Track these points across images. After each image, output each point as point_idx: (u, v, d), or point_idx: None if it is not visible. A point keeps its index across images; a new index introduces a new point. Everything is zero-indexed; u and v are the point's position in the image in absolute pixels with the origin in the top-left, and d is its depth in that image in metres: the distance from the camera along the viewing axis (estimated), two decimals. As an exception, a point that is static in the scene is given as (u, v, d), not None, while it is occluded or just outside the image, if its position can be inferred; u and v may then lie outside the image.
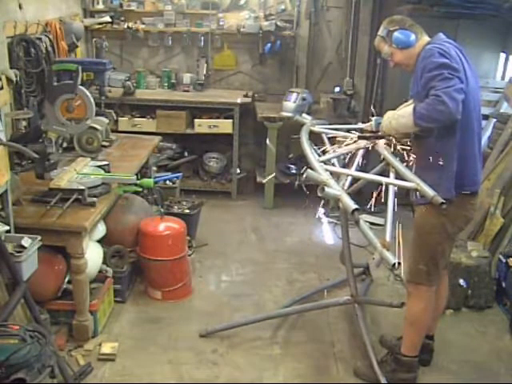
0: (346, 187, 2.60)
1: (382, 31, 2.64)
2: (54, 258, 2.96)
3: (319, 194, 2.23)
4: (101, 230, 3.30)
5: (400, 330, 3.13)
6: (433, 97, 2.28)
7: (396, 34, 2.57)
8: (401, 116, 2.48)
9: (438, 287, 2.76)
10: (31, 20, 3.90)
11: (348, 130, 3.35)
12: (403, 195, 2.75)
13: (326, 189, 2.21)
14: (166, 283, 3.49)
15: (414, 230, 2.66)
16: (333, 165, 2.91)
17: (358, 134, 2.78)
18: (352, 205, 2.17)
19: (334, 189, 2.25)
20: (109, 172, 3.30)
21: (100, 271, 3.23)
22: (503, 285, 3.52)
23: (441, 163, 2.46)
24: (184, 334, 3.17)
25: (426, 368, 2.94)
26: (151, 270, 3.52)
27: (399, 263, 2.08)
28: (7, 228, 2.56)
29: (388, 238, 2.20)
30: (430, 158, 2.48)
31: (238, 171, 5.36)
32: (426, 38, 2.60)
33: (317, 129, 3.08)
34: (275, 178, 5.13)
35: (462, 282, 3.46)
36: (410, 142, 2.61)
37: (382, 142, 2.69)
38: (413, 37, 2.56)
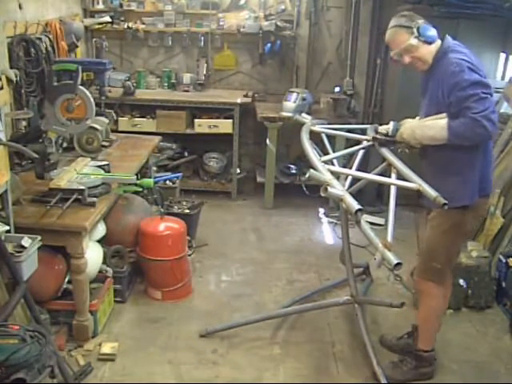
0: (346, 187, 2.60)
1: (406, 22, 2.52)
2: (53, 258, 2.95)
3: (322, 194, 2.23)
4: (101, 230, 3.30)
5: (400, 330, 3.16)
6: (471, 119, 2.32)
7: (424, 26, 2.51)
8: (429, 128, 2.48)
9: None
10: (31, 20, 3.90)
11: (348, 130, 3.36)
12: (413, 197, 2.71)
13: (329, 189, 2.21)
14: (166, 283, 3.49)
15: (429, 229, 2.68)
16: (333, 165, 2.91)
17: (372, 135, 2.74)
18: (355, 205, 2.17)
19: (337, 189, 2.25)
20: (109, 172, 3.30)
21: (100, 271, 3.23)
22: (503, 285, 3.52)
23: (466, 172, 2.53)
24: (184, 334, 3.17)
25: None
26: (151, 270, 3.52)
27: (400, 263, 2.08)
28: (7, 228, 2.55)
29: (389, 238, 2.20)
30: (455, 166, 2.53)
31: (238, 171, 5.36)
32: (438, 41, 2.57)
33: (317, 128, 3.08)
34: (275, 178, 5.14)
35: (461, 282, 3.46)
36: (422, 150, 2.61)
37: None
38: (435, 32, 2.54)
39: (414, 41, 2.52)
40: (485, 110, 2.31)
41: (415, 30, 2.50)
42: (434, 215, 2.66)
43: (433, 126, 2.46)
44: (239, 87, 5.55)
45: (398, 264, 2.08)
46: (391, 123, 2.68)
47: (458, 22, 4.45)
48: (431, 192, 2.30)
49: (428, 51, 2.54)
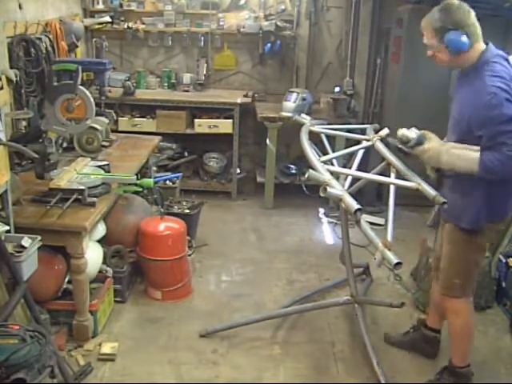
0: (346, 187, 2.60)
1: (436, 21, 2.33)
2: (53, 258, 2.95)
3: (321, 194, 2.22)
4: (101, 230, 3.30)
5: (400, 330, 3.16)
6: (507, 157, 2.19)
7: (451, 35, 2.30)
8: (458, 158, 2.31)
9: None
10: (31, 20, 3.90)
11: (348, 130, 3.36)
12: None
13: (329, 189, 2.21)
14: (166, 283, 3.49)
15: (446, 245, 2.63)
16: (332, 165, 2.91)
17: (393, 142, 2.57)
18: (355, 205, 2.17)
19: (337, 189, 2.25)
20: (109, 172, 3.30)
21: (100, 271, 3.23)
22: (503, 285, 3.52)
23: (474, 194, 2.42)
24: (184, 334, 3.16)
25: (427, 368, 2.94)
26: (151, 270, 3.52)
27: (400, 263, 2.08)
28: (7, 228, 2.55)
29: (389, 237, 2.20)
30: (464, 187, 2.44)
31: (238, 171, 5.36)
32: (481, 45, 2.39)
33: (316, 129, 3.08)
34: (275, 178, 5.14)
35: (462, 282, 3.45)
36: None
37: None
38: (466, 41, 2.31)
39: (436, 43, 2.37)
40: None
41: (440, 34, 2.33)
42: (447, 229, 2.61)
43: (464, 158, 2.30)
44: (239, 87, 5.55)
45: (398, 263, 2.08)
46: (414, 131, 2.44)
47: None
48: (430, 191, 2.29)
49: (451, 59, 2.38)
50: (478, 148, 2.28)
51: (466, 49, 2.33)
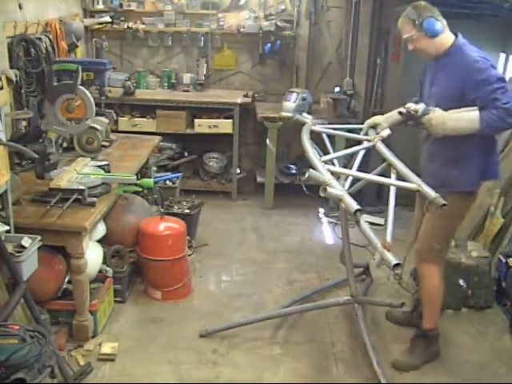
0: (346, 187, 2.60)
1: (412, 14, 2.69)
2: (54, 258, 2.95)
3: (321, 194, 2.23)
4: (101, 230, 3.30)
5: (400, 329, 3.17)
6: (504, 110, 2.49)
7: (427, 22, 2.65)
8: (461, 119, 2.58)
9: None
10: (31, 20, 3.90)
11: (349, 130, 3.36)
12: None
13: (329, 189, 2.21)
14: (166, 283, 3.49)
15: (429, 213, 2.82)
16: (333, 165, 2.91)
17: (400, 110, 2.80)
18: (354, 205, 2.18)
19: (337, 189, 2.25)
20: (109, 172, 3.30)
21: (100, 271, 3.23)
22: (503, 285, 3.51)
23: (471, 160, 2.70)
24: (184, 334, 3.16)
25: (427, 368, 2.95)
26: (151, 270, 3.52)
27: (400, 264, 2.09)
28: (7, 228, 2.55)
29: (389, 238, 2.20)
30: (460, 154, 2.70)
31: (238, 171, 5.36)
32: (450, 35, 2.72)
33: (318, 128, 3.08)
34: (275, 178, 5.14)
35: (461, 282, 3.46)
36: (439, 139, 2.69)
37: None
38: (440, 26, 2.68)
39: (415, 33, 2.69)
40: (510, 101, 2.51)
41: (418, 24, 2.66)
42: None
43: (465, 118, 2.57)
44: (239, 87, 5.55)
45: (397, 264, 2.08)
46: (421, 104, 2.72)
47: (457, 21, 4.42)
48: (430, 193, 2.32)
49: (429, 44, 2.71)
50: (476, 108, 2.54)
51: (440, 31, 2.68)
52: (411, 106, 2.74)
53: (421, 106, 2.70)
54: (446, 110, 2.63)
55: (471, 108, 2.56)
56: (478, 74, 2.56)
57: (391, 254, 2.12)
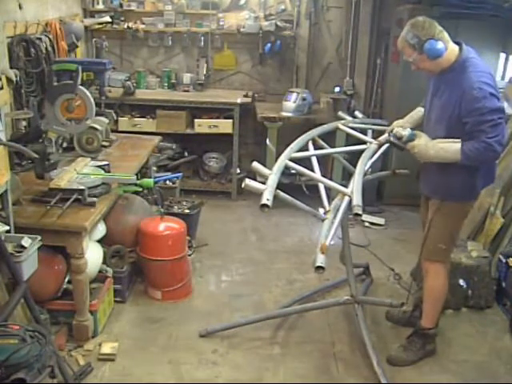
0: (351, 186, 2.63)
1: (411, 38, 2.60)
2: (54, 257, 2.95)
3: (243, 186, 2.48)
4: (101, 230, 3.30)
5: (400, 329, 3.16)
6: (485, 144, 2.50)
7: (428, 45, 2.57)
8: (444, 150, 2.62)
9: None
10: (31, 20, 3.90)
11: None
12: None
13: (247, 181, 2.49)
14: (166, 283, 3.49)
15: (432, 214, 2.84)
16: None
17: (387, 138, 2.87)
18: (266, 201, 2.47)
19: (260, 183, 2.49)
20: (109, 172, 3.30)
21: (100, 271, 3.23)
22: (503, 285, 3.51)
23: (470, 171, 2.69)
24: (184, 334, 3.16)
25: (427, 368, 2.95)
26: (151, 270, 3.52)
27: (321, 267, 2.33)
28: (7, 228, 2.55)
29: (328, 242, 2.43)
30: (458, 167, 2.66)
31: (238, 171, 5.35)
32: (454, 48, 2.64)
33: (343, 127, 3.21)
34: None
35: (461, 282, 3.46)
36: None
37: None
38: (442, 47, 2.59)
39: (417, 56, 2.65)
40: (498, 135, 2.50)
41: (418, 47, 2.60)
42: (434, 202, 2.84)
43: (448, 150, 2.61)
44: (239, 87, 5.55)
45: (319, 267, 2.32)
46: (408, 130, 2.77)
47: (457, 22, 4.45)
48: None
49: (433, 65, 2.66)
50: (460, 140, 2.56)
51: (443, 52, 2.61)
52: (398, 131, 2.78)
53: (406, 132, 2.74)
54: (442, 126, 2.67)
55: (456, 140, 2.58)
56: (473, 102, 2.52)
57: (322, 256, 2.38)
